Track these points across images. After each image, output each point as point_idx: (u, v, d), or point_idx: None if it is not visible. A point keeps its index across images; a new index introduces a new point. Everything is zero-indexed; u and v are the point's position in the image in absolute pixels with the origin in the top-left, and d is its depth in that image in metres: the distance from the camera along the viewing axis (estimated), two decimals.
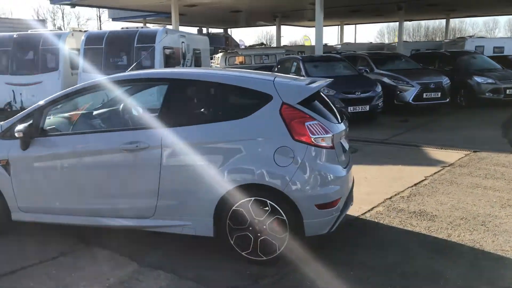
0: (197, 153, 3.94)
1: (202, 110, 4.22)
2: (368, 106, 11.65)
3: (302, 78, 4.35)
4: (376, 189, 6.17)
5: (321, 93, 4.77)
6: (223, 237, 3.96)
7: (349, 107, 11.42)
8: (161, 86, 4.27)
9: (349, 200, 4.42)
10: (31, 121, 4.24)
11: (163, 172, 3.96)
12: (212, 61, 24.66)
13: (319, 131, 3.85)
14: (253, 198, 3.83)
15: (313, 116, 3.90)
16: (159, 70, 4.75)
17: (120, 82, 4.47)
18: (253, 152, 3.84)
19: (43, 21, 27.81)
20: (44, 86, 13.65)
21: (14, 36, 14.49)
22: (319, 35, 17.79)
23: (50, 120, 4.64)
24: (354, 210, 5.28)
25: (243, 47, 36.46)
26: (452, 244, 4.37)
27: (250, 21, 35.10)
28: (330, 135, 3.91)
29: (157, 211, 4.04)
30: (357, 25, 45.52)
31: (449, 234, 4.59)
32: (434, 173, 6.90)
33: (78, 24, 49.01)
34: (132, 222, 4.14)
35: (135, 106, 4.78)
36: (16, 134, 4.10)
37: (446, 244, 4.37)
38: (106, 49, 13.48)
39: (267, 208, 3.82)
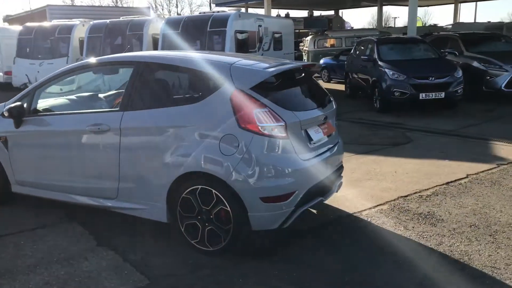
0: (151, 137, 3.90)
1: (160, 94, 4.15)
2: (443, 93, 10.46)
3: (271, 61, 4.03)
4: (397, 185, 5.56)
5: (310, 76, 4.43)
6: (175, 224, 3.90)
7: (420, 94, 10.41)
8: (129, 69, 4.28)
9: (325, 192, 4.05)
10: (21, 102, 4.57)
11: (122, 155, 4.00)
12: (301, 44, 24.30)
13: (268, 119, 3.54)
14: (199, 187, 3.68)
15: (264, 103, 3.59)
16: (127, 53, 4.73)
17: (95, 65, 4.61)
18: (201, 139, 3.68)
19: (148, 8, 29.72)
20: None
21: (107, 22, 15.66)
22: (412, 15, 16.48)
23: (53, 101, 4.95)
24: (353, 206, 4.83)
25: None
26: (434, 253, 3.76)
27: (355, 2, 33.70)
28: (281, 124, 3.58)
29: (119, 193, 4.11)
30: (478, 3, 40.97)
31: (441, 242, 3.96)
32: (481, 171, 5.99)
33: (190, 11, 51.61)
34: (98, 202, 4.26)
35: (102, 89, 4.88)
36: (5, 113, 4.46)
37: (425, 254, 3.78)
38: (182, 34, 13.95)
39: (213, 198, 3.66)
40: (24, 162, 4.67)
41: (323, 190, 4.05)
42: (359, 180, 5.80)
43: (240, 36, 13.69)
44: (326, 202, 4.55)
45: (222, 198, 3.59)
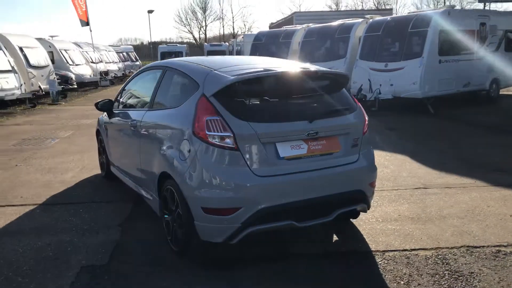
0: (152, 135, 4.23)
1: (168, 95, 4.35)
2: None
3: (258, 67, 3.67)
4: (484, 232, 4.24)
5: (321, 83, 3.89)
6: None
7: None
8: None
9: (302, 216, 3.54)
10: (111, 99, 5.58)
11: (140, 147, 4.48)
12: None
13: (216, 128, 3.36)
14: (168, 187, 3.82)
15: (218, 111, 3.42)
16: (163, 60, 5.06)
17: (143, 70, 5.20)
18: (172, 141, 3.79)
19: (390, 10, 28.92)
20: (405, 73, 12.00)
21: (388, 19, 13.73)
22: None
23: (127, 98, 5.68)
24: (387, 243, 4.00)
25: None
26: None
27: None
28: (228, 134, 3.34)
29: (141, 182, 4.60)
30: None
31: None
32: None
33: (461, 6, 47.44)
34: (136, 188, 4.82)
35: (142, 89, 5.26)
36: (98, 107, 5.52)
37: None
38: (382, 36, 13.35)
39: (175, 200, 3.73)
40: (111, 147, 5.69)
41: (296, 213, 3.53)
42: (442, 216, 4.66)
43: (447, 36, 12.08)
44: (361, 231, 4.13)
45: (179, 202, 3.64)
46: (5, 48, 16.01)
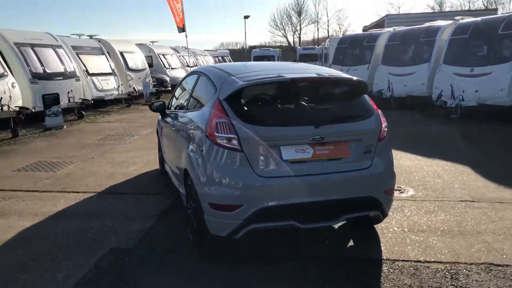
0: (183, 135, 4.59)
1: (196, 98, 4.67)
2: None
3: (265, 73, 3.84)
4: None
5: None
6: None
7: None
8: None
9: (306, 218, 3.65)
10: (164, 101, 6.09)
11: (176, 148, 4.89)
12: None
13: (224, 130, 3.61)
14: (188, 183, 4.15)
15: (227, 114, 3.67)
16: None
17: (190, 74, 5.57)
18: (193, 141, 4.12)
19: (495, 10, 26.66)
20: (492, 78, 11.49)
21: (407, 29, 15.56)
22: None
23: (175, 100, 6.07)
24: (400, 253, 3.96)
25: None
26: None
27: None
28: (233, 136, 3.58)
29: (177, 177, 5.00)
30: None
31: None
32: None
33: None
34: (175, 183, 5.25)
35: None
36: (153, 108, 6.07)
37: None
38: (469, 39, 12.56)
39: (192, 195, 4.06)
40: (163, 145, 6.21)
41: (299, 214, 3.64)
42: (477, 231, 4.44)
43: None
44: (382, 238, 4.19)
45: (194, 196, 3.96)
46: (108, 53, 17.81)
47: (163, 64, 24.82)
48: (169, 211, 5.12)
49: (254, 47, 57.97)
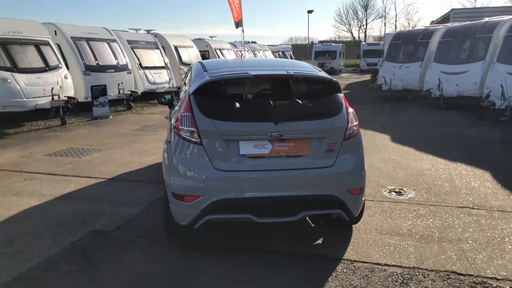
0: (169, 129, 4.80)
1: (181, 92, 4.85)
2: None
3: (237, 69, 3.86)
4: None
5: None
6: None
7: None
8: None
9: (262, 212, 3.72)
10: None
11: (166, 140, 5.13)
12: None
13: (186, 123, 3.77)
14: None
15: (191, 108, 3.83)
16: None
17: (190, 68, 5.74)
18: (169, 134, 4.32)
19: None
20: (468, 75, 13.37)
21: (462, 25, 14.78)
22: None
23: None
24: (376, 256, 3.94)
25: None
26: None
27: None
28: (193, 129, 3.72)
29: None
30: None
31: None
32: None
33: None
34: None
35: None
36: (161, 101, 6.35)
37: None
38: None
39: None
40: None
41: (256, 209, 3.72)
42: (458, 239, 4.26)
43: None
44: (353, 239, 4.19)
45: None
46: (163, 47, 18.58)
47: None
48: (160, 200, 5.37)
49: (324, 41, 57.29)
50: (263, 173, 3.68)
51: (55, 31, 13.38)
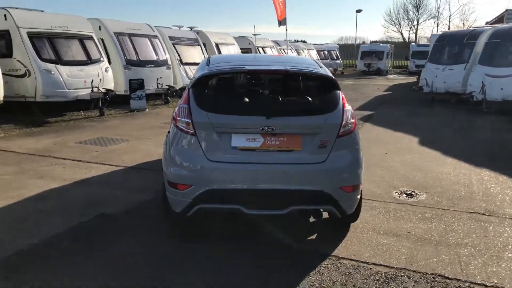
0: None
1: None
2: None
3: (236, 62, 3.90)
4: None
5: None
6: None
7: None
8: None
9: (252, 204, 3.79)
10: None
11: None
12: None
13: (183, 114, 3.91)
14: None
15: (189, 101, 3.96)
16: None
17: None
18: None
19: None
20: None
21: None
22: None
23: None
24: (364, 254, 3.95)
25: None
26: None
27: None
28: (187, 120, 3.86)
29: None
30: None
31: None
32: None
33: None
34: None
35: None
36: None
37: None
38: None
39: None
40: None
41: (246, 200, 3.80)
42: (457, 243, 4.17)
43: None
44: (348, 236, 4.22)
45: None
46: (204, 44, 18.98)
47: None
48: None
49: (375, 42, 56.11)
50: (254, 166, 3.77)
51: (99, 26, 14.00)
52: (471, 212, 4.93)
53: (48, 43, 11.58)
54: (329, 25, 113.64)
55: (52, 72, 11.22)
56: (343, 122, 3.89)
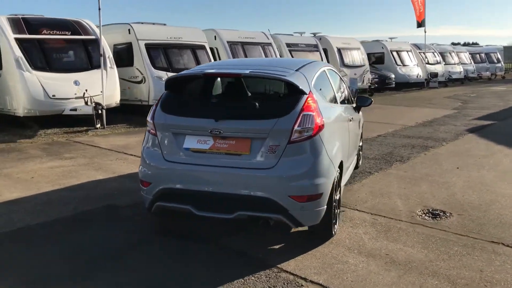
0: None
1: None
2: None
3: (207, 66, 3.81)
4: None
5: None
6: None
7: None
8: None
9: (202, 205, 3.83)
10: None
11: None
12: None
13: (150, 116, 4.17)
14: None
15: (158, 103, 4.19)
16: None
17: None
18: None
19: None
20: None
21: None
22: None
23: None
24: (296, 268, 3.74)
25: None
26: None
27: None
28: (150, 121, 4.07)
29: None
30: None
31: None
32: None
33: None
34: None
35: None
36: None
37: None
38: None
39: None
40: None
41: (196, 201, 3.85)
42: (433, 272, 3.59)
43: None
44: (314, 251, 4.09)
45: None
46: (326, 49, 18.93)
47: (395, 61, 24.27)
48: None
49: None
50: (203, 168, 3.82)
51: (215, 36, 15.11)
52: (492, 242, 4.14)
53: (162, 53, 12.98)
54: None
55: (163, 79, 12.51)
56: (296, 128, 3.68)
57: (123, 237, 4.27)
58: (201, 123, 3.84)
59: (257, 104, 3.87)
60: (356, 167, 6.69)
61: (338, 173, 4.14)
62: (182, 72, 4.26)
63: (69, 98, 10.50)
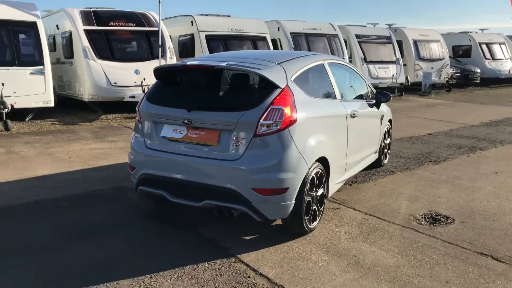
0: None
1: None
2: None
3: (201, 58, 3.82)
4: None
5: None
6: None
7: None
8: None
9: (174, 191, 3.98)
10: None
11: None
12: None
13: (138, 105, 4.40)
14: None
15: (148, 92, 4.40)
16: None
17: None
18: None
19: None
20: None
21: None
22: None
23: None
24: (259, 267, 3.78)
25: None
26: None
27: None
28: (137, 109, 4.31)
29: None
30: None
31: None
32: None
33: None
34: None
35: None
36: None
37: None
38: None
39: None
40: None
41: (170, 188, 4.01)
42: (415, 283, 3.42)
43: None
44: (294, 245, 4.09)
45: None
46: (400, 41, 18.09)
47: (483, 54, 22.40)
48: None
49: None
50: (176, 156, 3.98)
51: (278, 28, 15.14)
52: (482, 254, 3.81)
53: (222, 44, 13.33)
54: None
55: None
56: (262, 121, 3.69)
57: (111, 217, 4.56)
58: (175, 113, 3.99)
59: (227, 96, 3.92)
60: (379, 165, 6.42)
61: (317, 169, 4.05)
62: (167, 64, 4.43)
63: (129, 86, 11.22)
